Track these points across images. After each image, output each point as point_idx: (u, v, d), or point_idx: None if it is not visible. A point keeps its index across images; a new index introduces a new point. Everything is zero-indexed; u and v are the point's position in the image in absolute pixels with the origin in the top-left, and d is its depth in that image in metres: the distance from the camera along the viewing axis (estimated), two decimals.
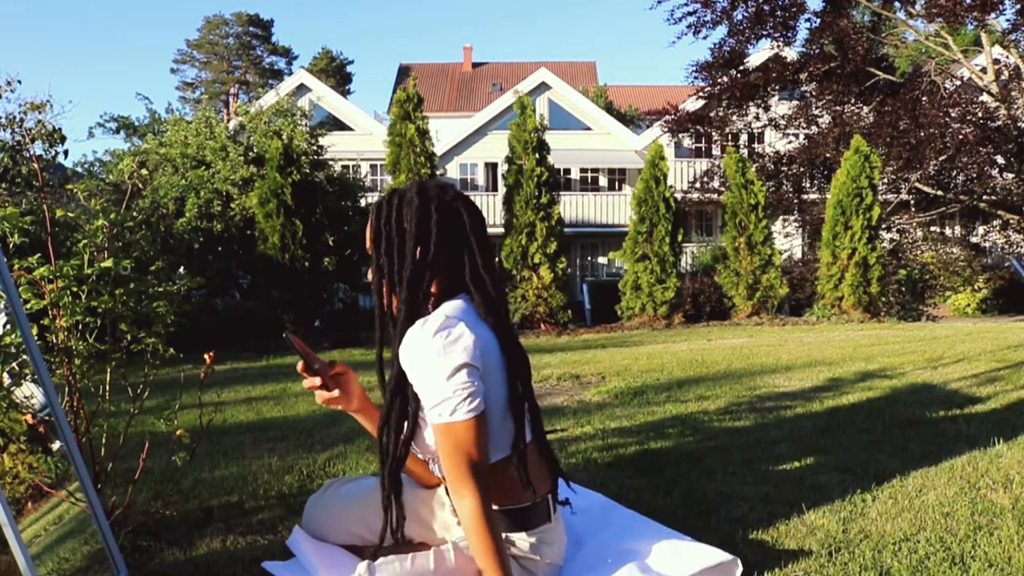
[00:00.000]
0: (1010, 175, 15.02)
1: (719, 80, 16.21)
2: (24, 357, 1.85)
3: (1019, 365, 4.94)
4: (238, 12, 43.89)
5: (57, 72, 69.18)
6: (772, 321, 11.34)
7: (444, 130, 22.77)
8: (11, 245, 2.18)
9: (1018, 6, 14.03)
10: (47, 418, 1.90)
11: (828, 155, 15.19)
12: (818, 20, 15.46)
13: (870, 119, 14.74)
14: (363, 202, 12.83)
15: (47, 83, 49.49)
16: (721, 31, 29.62)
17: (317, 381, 1.70)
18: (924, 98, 14.19)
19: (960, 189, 15.36)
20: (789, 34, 15.69)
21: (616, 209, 20.96)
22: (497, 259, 12.10)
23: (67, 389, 2.20)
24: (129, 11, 71.74)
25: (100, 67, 75.26)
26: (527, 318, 11.74)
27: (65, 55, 72.98)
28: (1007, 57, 14.81)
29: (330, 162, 12.76)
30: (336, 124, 20.62)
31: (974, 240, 17.61)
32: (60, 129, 2.60)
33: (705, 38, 33.81)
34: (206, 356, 2.25)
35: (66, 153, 2.63)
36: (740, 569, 1.78)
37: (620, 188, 22.29)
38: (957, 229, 18.04)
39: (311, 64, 41.95)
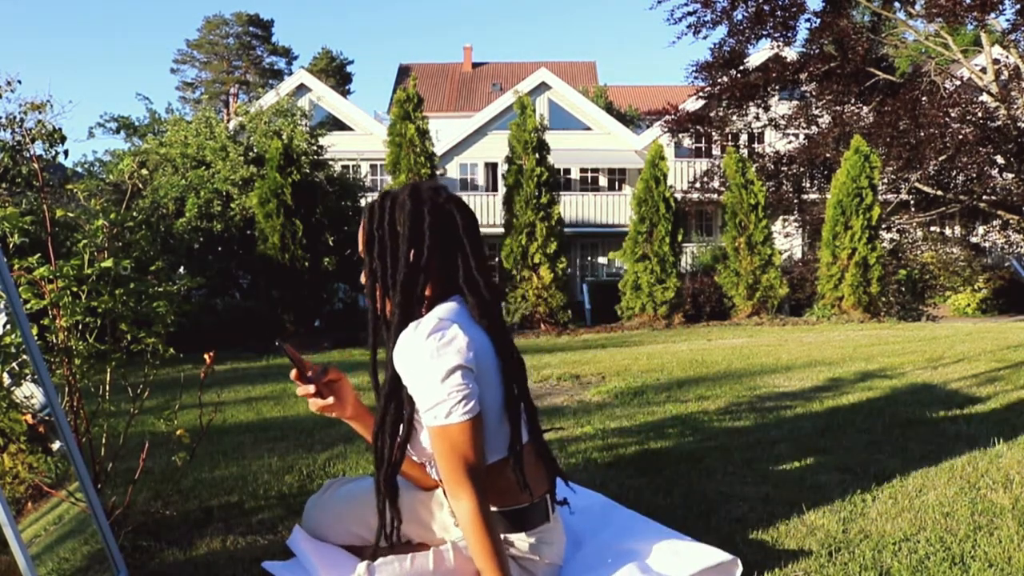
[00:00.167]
0: (1010, 175, 15.02)
1: (719, 80, 16.21)
2: (24, 357, 1.85)
3: (1019, 365, 4.94)
4: (238, 12, 43.91)
5: (57, 72, 69.27)
6: (772, 321, 11.34)
7: (444, 130, 22.76)
8: (11, 245, 2.18)
9: (1018, 6, 14.03)
10: (47, 418, 1.90)
11: (828, 155, 15.19)
12: (818, 20, 15.46)
13: (870, 119, 14.74)
14: (363, 202, 12.84)
15: (47, 83, 49.54)
16: (721, 31, 29.68)
17: (311, 389, 1.70)
18: (924, 98, 14.19)
19: (960, 189, 15.36)
20: (789, 34, 15.70)
21: (616, 209, 20.96)
22: (497, 259, 12.11)
23: (67, 389, 2.20)
24: (129, 11, 71.82)
25: (100, 67, 75.35)
26: (527, 318, 11.74)
27: (65, 55, 73.07)
28: (1007, 57, 14.81)
29: (330, 162, 12.77)
30: (336, 124, 20.62)
31: (974, 240, 17.61)
32: (60, 129, 2.60)
33: (705, 38, 33.90)
34: (206, 356, 2.25)
35: (66, 153, 2.63)
36: (740, 569, 1.77)
37: (620, 188, 22.28)
38: (957, 229, 18.03)
39: (311, 64, 41.96)
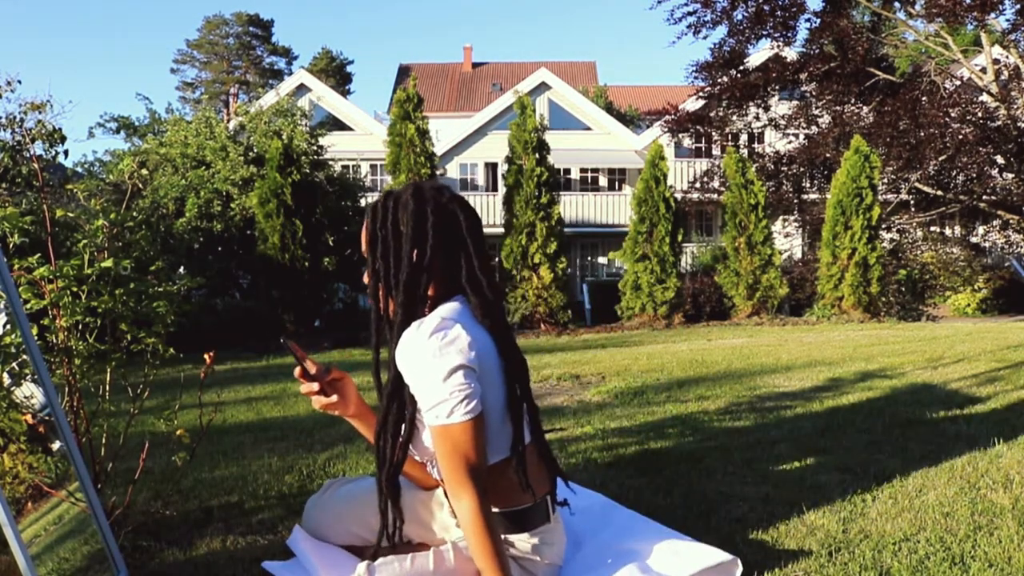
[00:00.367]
0: (1010, 175, 15.02)
1: (719, 80, 16.20)
2: (24, 357, 1.85)
3: (1019, 365, 4.94)
4: (238, 12, 43.90)
5: (57, 72, 69.26)
6: (772, 321, 11.34)
7: (444, 130, 22.76)
8: (11, 245, 2.18)
9: (1018, 6, 14.03)
10: (47, 418, 1.90)
11: (828, 155, 15.19)
12: (818, 20, 15.46)
13: (870, 119, 14.74)
14: (363, 202, 12.84)
15: (47, 83, 49.54)
16: (721, 31, 29.67)
17: (315, 387, 1.71)
18: (924, 98, 14.19)
19: (960, 189, 15.36)
20: (789, 34, 15.69)
21: (616, 209, 20.96)
22: (497, 259, 12.11)
23: (67, 389, 2.20)
24: (129, 11, 71.82)
25: (100, 67, 75.34)
26: (527, 318, 11.75)
27: (65, 55, 73.06)
28: (1007, 57, 14.81)
29: (330, 162, 12.77)
30: (336, 124, 20.62)
31: (974, 240, 17.61)
32: (60, 129, 2.60)
33: (705, 38, 33.89)
34: (206, 356, 2.25)
35: (66, 153, 2.63)
36: (740, 569, 1.77)
37: (620, 188, 22.29)
38: (957, 229, 18.03)
39: (311, 64, 41.95)
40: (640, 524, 2.00)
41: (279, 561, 1.90)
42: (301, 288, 10.55)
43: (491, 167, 21.92)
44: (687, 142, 19.24)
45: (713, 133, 17.31)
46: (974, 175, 14.87)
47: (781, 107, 17.02)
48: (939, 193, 15.45)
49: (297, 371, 1.71)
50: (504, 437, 1.61)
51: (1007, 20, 14.73)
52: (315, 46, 55.13)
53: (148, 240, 3.26)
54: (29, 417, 1.92)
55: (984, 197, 15.28)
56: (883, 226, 14.25)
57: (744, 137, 18.47)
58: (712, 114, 16.98)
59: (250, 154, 12.12)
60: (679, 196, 14.28)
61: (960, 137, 13.60)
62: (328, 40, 74.92)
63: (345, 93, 40.52)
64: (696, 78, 16.49)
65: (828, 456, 2.86)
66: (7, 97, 8.34)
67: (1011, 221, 15.74)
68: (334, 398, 1.72)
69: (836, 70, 15.13)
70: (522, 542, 1.66)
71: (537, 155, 11.69)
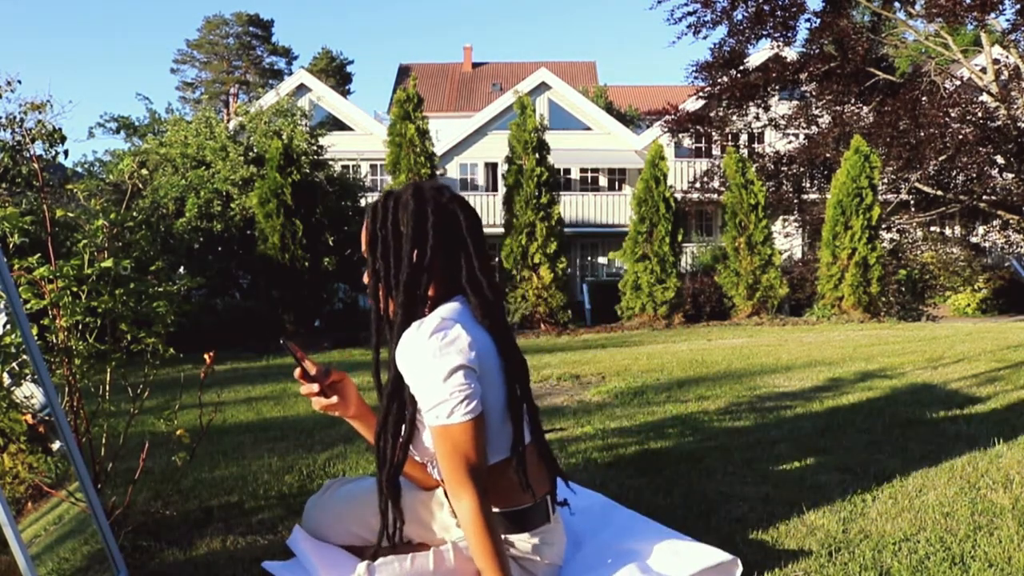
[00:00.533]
0: (1010, 175, 15.02)
1: (719, 80, 16.21)
2: (24, 357, 1.85)
3: (1019, 365, 4.94)
4: (238, 12, 43.91)
5: (57, 72, 69.25)
6: (772, 321, 11.34)
7: (444, 130, 22.76)
8: (11, 245, 2.18)
9: (1018, 6, 14.03)
10: (47, 418, 1.90)
11: (828, 155, 15.19)
12: (818, 20, 15.46)
13: (870, 119, 14.74)
14: (363, 202, 12.84)
15: (47, 83, 49.53)
16: (721, 31, 29.65)
17: (315, 388, 1.71)
18: (924, 98, 14.19)
19: (960, 189, 15.36)
20: (789, 34, 15.70)
21: (616, 209, 20.96)
22: (497, 259, 12.11)
23: (67, 389, 2.20)
24: (129, 11, 71.81)
25: (100, 67, 75.33)
26: (527, 318, 11.75)
27: (65, 55, 73.05)
28: (1007, 57, 14.81)
29: (330, 162, 12.77)
30: (336, 124, 20.62)
31: (974, 240, 17.61)
32: (60, 129, 2.60)
33: (705, 38, 33.87)
34: (206, 356, 2.25)
35: (66, 153, 2.63)
36: (740, 569, 1.77)
37: (620, 188, 22.29)
38: (957, 229, 18.03)
39: (311, 64, 41.95)
40: (640, 524, 2.00)
41: (279, 561, 1.90)
42: (301, 288, 10.55)
43: (491, 167, 21.92)
44: (687, 142, 19.24)
45: (713, 133, 17.31)
46: (974, 175, 14.87)
47: (781, 107, 17.02)
48: (939, 193, 15.45)
49: (297, 372, 1.71)
50: (504, 437, 1.61)
51: (1007, 20, 14.74)
52: (315, 46, 55.22)
53: (148, 240, 3.26)
54: (29, 417, 1.92)
55: (984, 197, 15.28)
56: (883, 226, 14.25)
57: (744, 137, 18.47)
58: (712, 114, 16.98)
59: (250, 154, 12.12)
60: (679, 196, 14.28)
61: (960, 137, 13.60)
62: (328, 40, 75.01)
63: (345, 93, 40.52)
64: (696, 78, 16.49)
65: (828, 456, 2.86)
66: (7, 97, 8.35)
67: (1011, 221, 15.74)
68: (334, 399, 1.72)
69: (836, 70, 15.14)
70: (522, 542, 1.66)
71: (537, 155, 11.70)
